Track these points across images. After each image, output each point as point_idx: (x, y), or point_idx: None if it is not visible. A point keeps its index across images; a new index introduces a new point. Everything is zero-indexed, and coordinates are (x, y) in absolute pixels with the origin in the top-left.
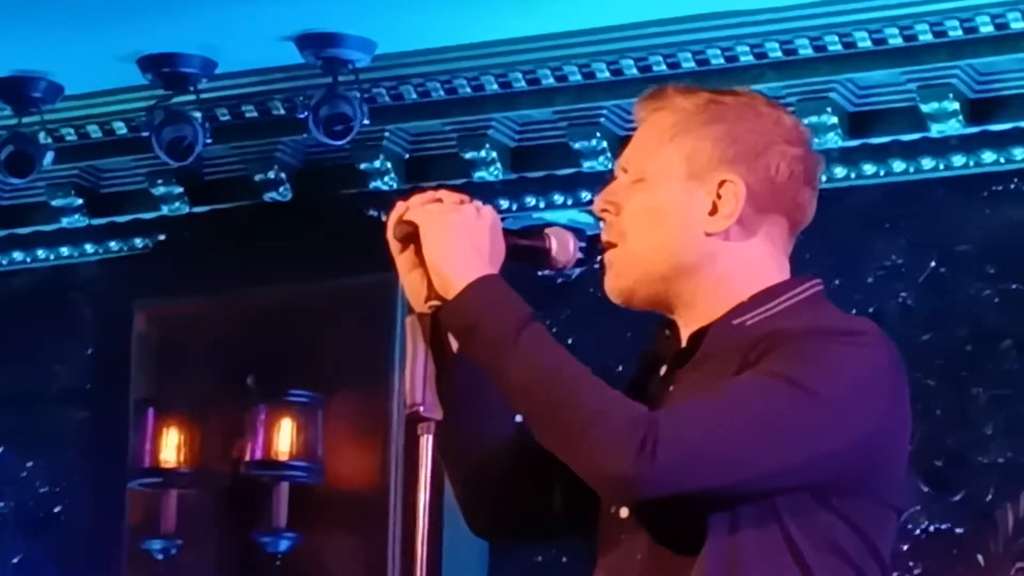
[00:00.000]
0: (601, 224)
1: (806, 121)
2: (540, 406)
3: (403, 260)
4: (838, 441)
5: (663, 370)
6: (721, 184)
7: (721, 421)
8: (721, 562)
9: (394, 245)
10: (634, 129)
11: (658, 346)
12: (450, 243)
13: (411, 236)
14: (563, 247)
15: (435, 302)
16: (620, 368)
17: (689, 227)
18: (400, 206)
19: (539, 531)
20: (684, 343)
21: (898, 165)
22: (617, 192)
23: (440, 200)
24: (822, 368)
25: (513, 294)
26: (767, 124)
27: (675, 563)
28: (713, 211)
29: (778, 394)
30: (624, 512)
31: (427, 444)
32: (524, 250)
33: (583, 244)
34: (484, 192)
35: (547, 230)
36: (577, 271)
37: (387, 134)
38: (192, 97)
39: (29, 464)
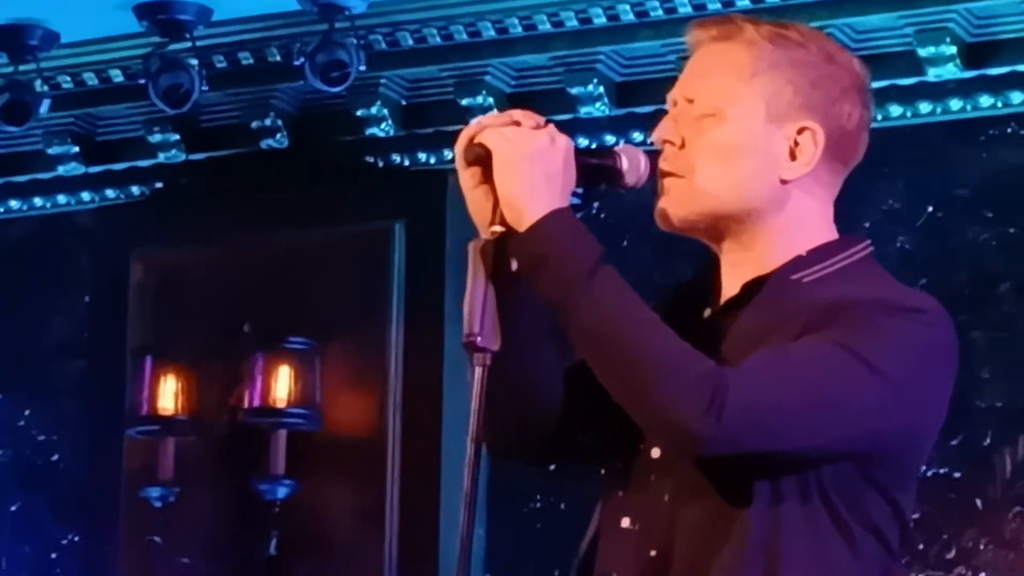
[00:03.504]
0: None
1: None
2: (608, 351)
3: (468, 176)
4: (894, 419)
5: (707, 312)
6: (800, 131)
7: (789, 388)
8: (763, 528)
9: (460, 163)
10: (632, 75)
11: (703, 285)
12: (524, 173)
13: (482, 159)
14: (634, 165)
15: (498, 228)
16: None
17: (765, 171)
18: (473, 126)
19: (559, 457)
20: (737, 288)
21: (895, 109)
22: (682, 123)
23: (517, 122)
24: (888, 345)
25: (585, 231)
26: (841, 70)
27: (706, 510)
28: (791, 157)
29: (844, 366)
30: (656, 452)
31: (480, 375)
32: (595, 169)
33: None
34: None
35: (617, 148)
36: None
37: (384, 80)
38: (188, 44)
39: (27, 413)
